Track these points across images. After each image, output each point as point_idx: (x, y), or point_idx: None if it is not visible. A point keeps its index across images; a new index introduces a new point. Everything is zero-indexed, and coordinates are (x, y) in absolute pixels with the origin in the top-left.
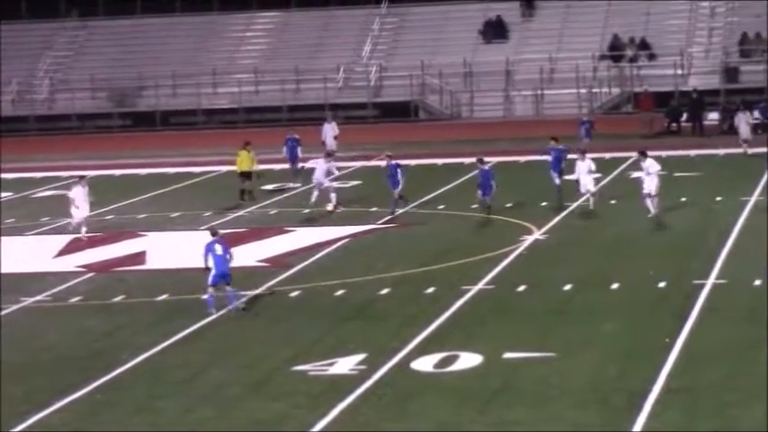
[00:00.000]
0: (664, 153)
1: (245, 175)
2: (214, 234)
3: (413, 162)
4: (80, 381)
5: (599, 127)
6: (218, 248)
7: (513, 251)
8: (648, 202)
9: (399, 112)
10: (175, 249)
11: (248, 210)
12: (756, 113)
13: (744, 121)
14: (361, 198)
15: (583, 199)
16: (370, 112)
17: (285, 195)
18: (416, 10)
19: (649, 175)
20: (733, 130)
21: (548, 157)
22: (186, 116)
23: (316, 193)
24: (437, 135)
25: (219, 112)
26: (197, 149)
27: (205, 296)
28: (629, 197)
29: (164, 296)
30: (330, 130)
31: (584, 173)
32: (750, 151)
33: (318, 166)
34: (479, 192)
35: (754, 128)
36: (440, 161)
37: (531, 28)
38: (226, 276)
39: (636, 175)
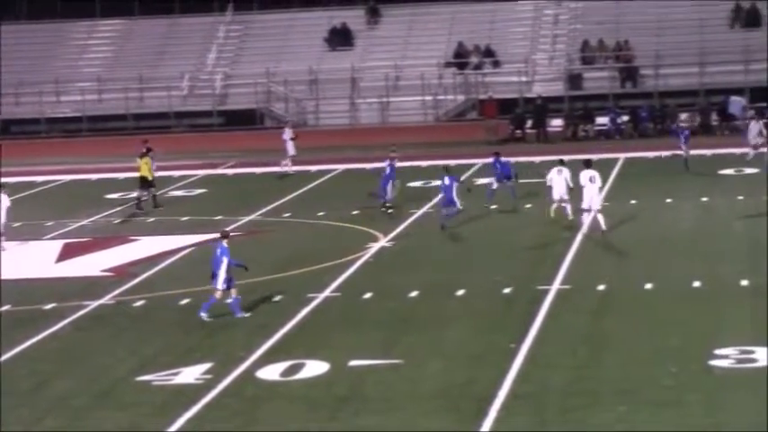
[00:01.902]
0: (512, 159)
1: (147, 182)
2: (224, 236)
3: (258, 170)
4: None
5: (443, 134)
6: (218, 251)
7: (359, 259)
8: (586, 216)
9: (245, 119)
10: (17, 260)
11: (92, 219)
12: (603, 119)
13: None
14: (206, 206)
15: (428, 206)
16: (216, 120)
17: (129, 204)
18: (261, 17)
19: (593, 184)
20: (574, 137)
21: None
22: (29, 125)
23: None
24: (283, 143)
25: (62, 121)
26: (40, 158)
27: (229, 300)
28: (470, 202)
29: (6, 307)
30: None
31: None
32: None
33: None
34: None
35: (598, 134)
36: (284, 169)
37: (377, 35)
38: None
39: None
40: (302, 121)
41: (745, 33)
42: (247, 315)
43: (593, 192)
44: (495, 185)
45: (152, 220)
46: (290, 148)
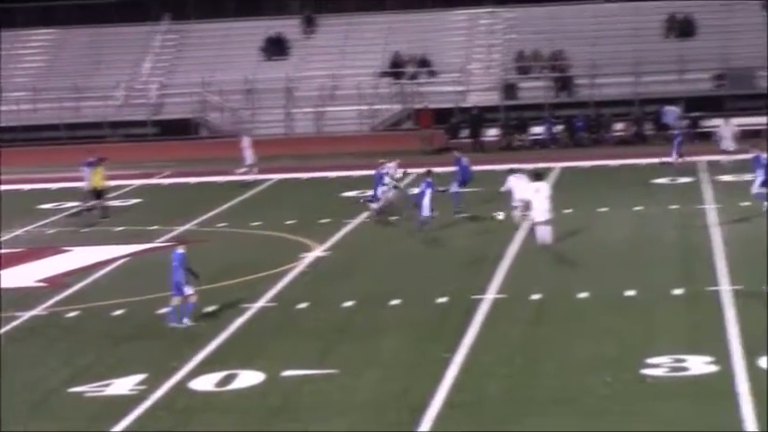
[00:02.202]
0: (444, 169)
1: (99, 192)
2: (180, 244)
3: (193, 180)
4: None
5: (379, 144)
6: (175, 259)
7: (294, 268)
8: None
9: (180, 129)
10: None
11: (26, 229)
12: (539, 129)
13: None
14: (141, 216)
15: (364, 216)
16: (151, 130)
17: (63, 215)
18: (197, 27)
19: (538, 194)
20: (510, 146)
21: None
22: None
23: None
24: (218, 152)
25: None
26: None
27: (168, 309)
28: (412, 213)
29: None
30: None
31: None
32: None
33: None
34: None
35: (533, 143)
36: (221, 179)
37: (313, 45)
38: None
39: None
40: (238, 131)
41: (679, 43)
42: (181, 326)
43: (542, 203)
44: (455, 189)
45: (87, 230)
46: (249, 157)
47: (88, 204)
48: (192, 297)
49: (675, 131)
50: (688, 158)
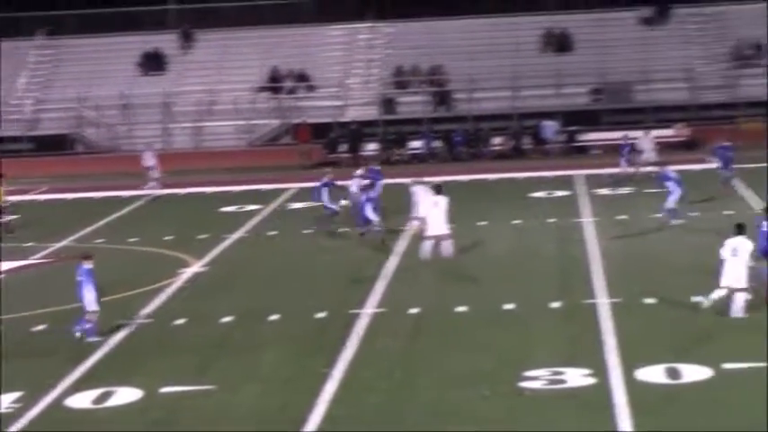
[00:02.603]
0: None
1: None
2: (86, 258)
3: (70, 196)
4: None
5: (257, 159)
6: (80, 273)
7: (172, 284)
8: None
9: (56, 145)
10: None
11: None
12: (417, 143)
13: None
14: (17, 233)
15: (243, 231)
16: (26, 146)
17: None
18: (73, 42)
19: (436, 207)
20: (390, 161)
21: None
22: None
23: None
24: (95, 168)
25: None
26: None
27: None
28: (289, 228)
29: None
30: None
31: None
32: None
33: None
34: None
35: (412, 158)
36: (98, 194)
37: (190, 60)
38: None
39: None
40: (115, 146)
41: (556, 58)
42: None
43: (439, 217)
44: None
45: None
46: (155, 173)
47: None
48: (92, 315)
49: (622, 143)
50: (616, 169)
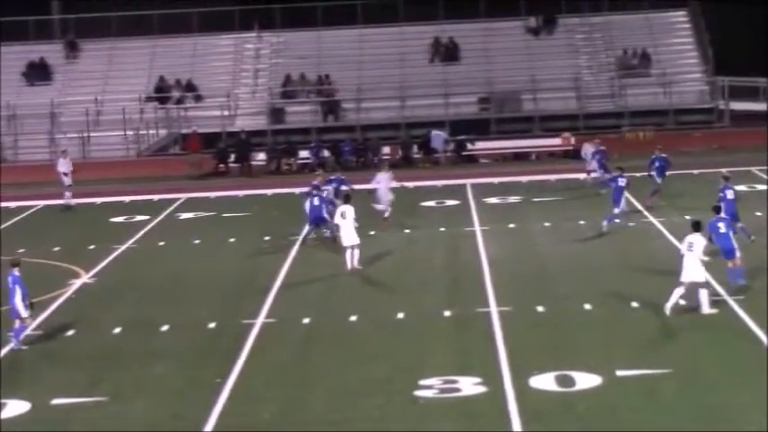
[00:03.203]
0: (213, 194)
1: None
2: (15, 265)
3: None
4: None
5: (146, 169)
6: (9, 281)
7: (61, 295)
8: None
9: None
10: None
11: None
12: (306, 153)
13: None
14: None
15: (131, 241)
16: None
17: None
18: None
19: (345, 220)
20: (278, 171)
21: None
22: None
23: None
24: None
25: None
26: None
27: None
28: (178, 238)
29: None
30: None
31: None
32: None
33: None
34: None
35: (301, 167)
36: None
37: (76, 70)
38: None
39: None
40: (1, 157)
41: (444, 67)
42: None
43: (348, 227)
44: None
45: None
46: (67, 179)
47: None
48: (27, 320)
49: (593, 149)
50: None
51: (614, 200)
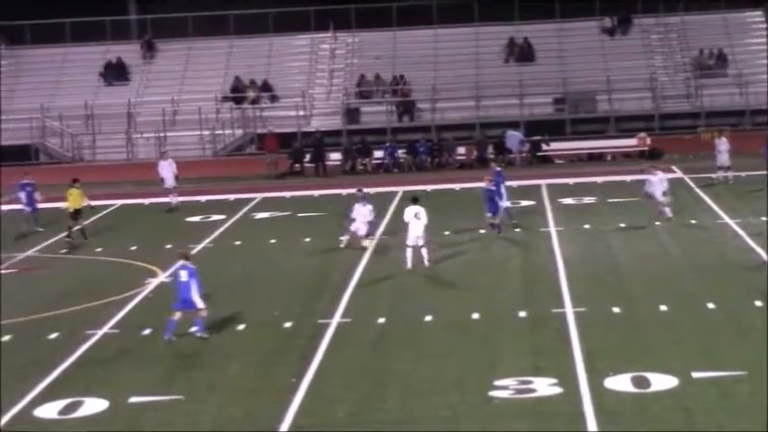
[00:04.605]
0: (288, 194)
1: (77, 213)
2: (185, 258)
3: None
4: None
5: (221, 169)
6: (183, 274)
7: (138, 294)
8: (416, 252)
9: (19, 155)
10: None
11: None
12: (381, 153)
13: None
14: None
15: (208, 240)
16: None
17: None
18: (35, 52)
19: (418, 221)
20: (353, 170)
21: None
22: None
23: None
24: (59, 178)
25: None
26: None
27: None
28: (254, 238)
29: None
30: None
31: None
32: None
33: None
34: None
35: (376, 167)
36: (64, 204)
37: (153, 70)
38: (187, 303)
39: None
40: (78, 156)
41: (518, 68)
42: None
43: (418, 228)
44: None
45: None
46: (169, 181)
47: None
48: (202, 311)
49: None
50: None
51: None
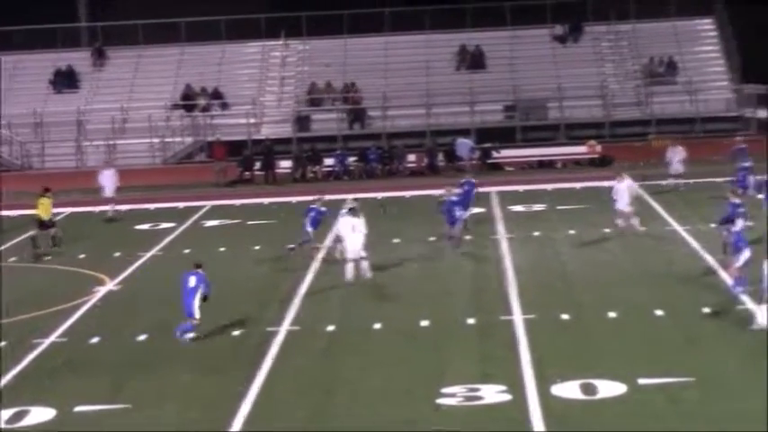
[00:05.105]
0: (238, 202)
1: (46, 222)
2: (197, 266)
3: None
4: None
5: (171, 177)
6: (192, 280)
7: (86, 302)
8: (357, 264)
9: None
10: None
11: None
12: (332, 161)
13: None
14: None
15: (157, 249)
16: None
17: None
18: None
19: (355, 233)
20: (303, 178)
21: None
22: None
23: None
24: (8, 186)
25: None
26: None
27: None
28: (203, 246)
29: None
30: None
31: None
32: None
33: None
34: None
35: (326, 175)
36: (7, 213)
37: (103, 77)
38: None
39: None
40: (28, 164)
41: (469, 75)
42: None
43: (357, 241)
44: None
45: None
46: (109, 191)
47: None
48: (194, 320)
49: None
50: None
51: None
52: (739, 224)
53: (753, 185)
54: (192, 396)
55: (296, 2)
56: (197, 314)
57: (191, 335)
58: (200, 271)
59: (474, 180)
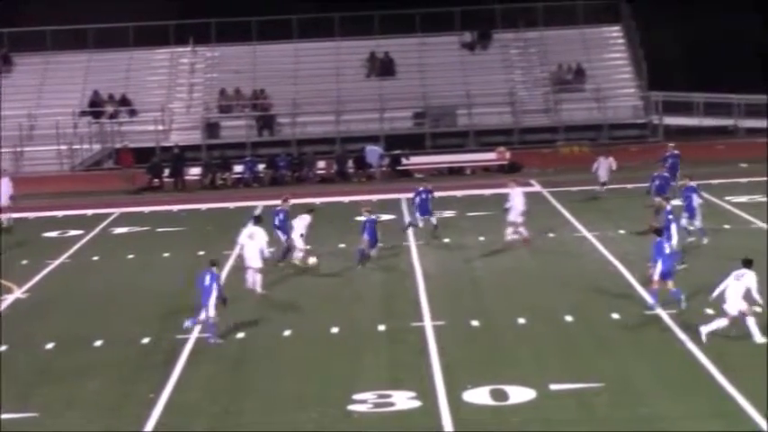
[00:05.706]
0: (147, 209)
1: None
2: (213, 264)
3: None
4: None
5: (80, 184)
6: (207, 279)
7: None
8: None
9: None
10: None
11: None
12: (241, 168)
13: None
14: None
15: (65, 256)
16: None
17: None
18: None
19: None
20: (212, 185)
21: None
22: None
23: None
24: None
25: None
26: None
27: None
28: (112, 253)
29: None
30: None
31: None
32: None
33: None
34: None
35: (236, 182)
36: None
37: (9, 84)
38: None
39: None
40: None
41: (379, 82)
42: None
43: (252, 250)
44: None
45: None
46: (4, 199)
47: None
48: (213, 318)
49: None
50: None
51: None
52: (673, 231)
53: (655, 190)
54: (102, 404)
55: (204, 8)
56: (212, 312)
57: (209, 336)
58: (214, 270)
59: (430, 187)
